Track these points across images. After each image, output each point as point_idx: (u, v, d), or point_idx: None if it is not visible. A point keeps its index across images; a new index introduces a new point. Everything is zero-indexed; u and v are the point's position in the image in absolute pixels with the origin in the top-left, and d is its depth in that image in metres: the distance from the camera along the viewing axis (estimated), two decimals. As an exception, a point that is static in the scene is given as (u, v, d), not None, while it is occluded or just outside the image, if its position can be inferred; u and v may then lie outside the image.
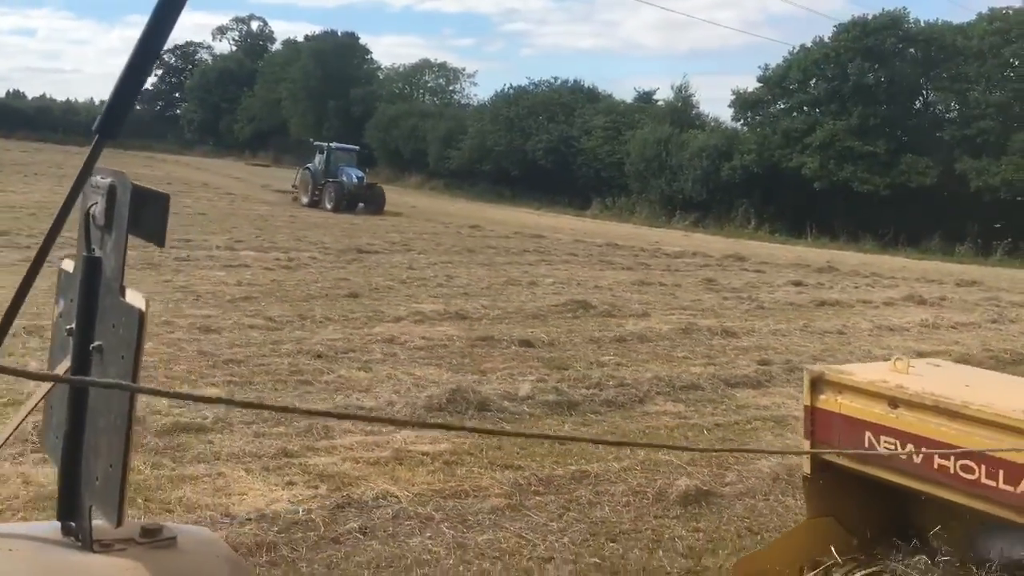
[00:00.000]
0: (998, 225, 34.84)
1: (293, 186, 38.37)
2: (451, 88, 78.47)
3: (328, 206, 34.57)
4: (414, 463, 6.62)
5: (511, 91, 58.81)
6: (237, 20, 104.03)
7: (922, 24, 40.02)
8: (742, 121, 45.06)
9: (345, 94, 74.41)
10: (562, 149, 51.42)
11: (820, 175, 38.84)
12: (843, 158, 38.35)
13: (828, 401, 3.97)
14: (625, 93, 69.36)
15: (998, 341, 14.28)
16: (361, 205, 35.08)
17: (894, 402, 3.73)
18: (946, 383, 3.79)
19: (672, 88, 51.85)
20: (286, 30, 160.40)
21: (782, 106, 43.53)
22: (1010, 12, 38.39)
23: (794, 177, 39.97)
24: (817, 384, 4.03)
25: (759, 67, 44.22)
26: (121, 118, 1.32)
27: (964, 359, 12.25)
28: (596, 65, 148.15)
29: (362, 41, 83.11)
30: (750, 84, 46.02)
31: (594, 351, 11.35)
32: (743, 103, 44.25)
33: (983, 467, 3.41)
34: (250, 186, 46.42)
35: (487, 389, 8.46)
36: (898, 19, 39.55)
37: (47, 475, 5.47)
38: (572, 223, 40.12)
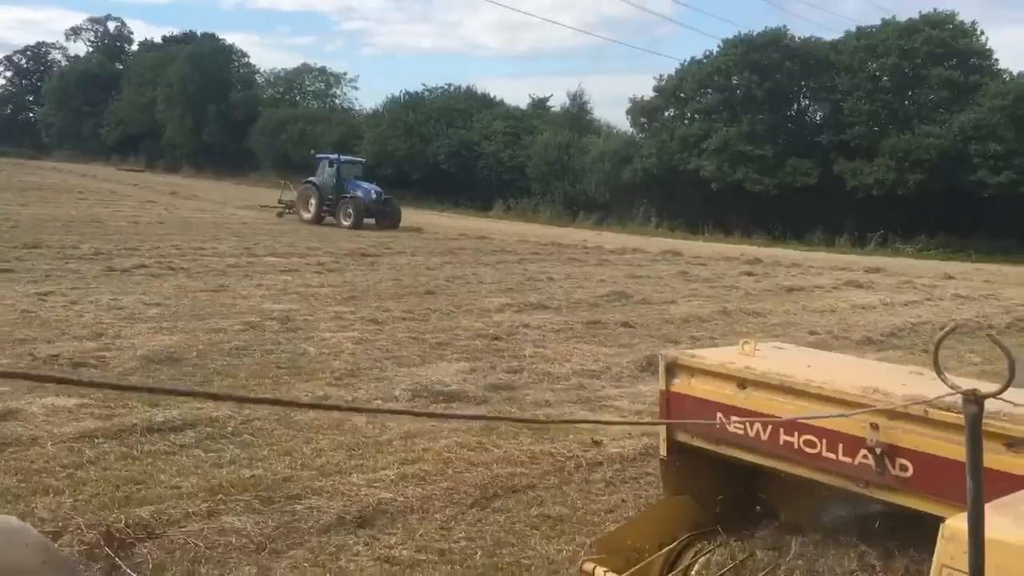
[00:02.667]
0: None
1: (280, 200, 37.03)
2: (331, 92, 79.70)
3: (345, 222, 33.55)
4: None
5: (405, 97, 61.06)
6: (92, 21, 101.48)
7: (798, 40, 44.84)
8: (639, 127, 48.90)
9: (224, 98, 74.56)
10: (463, 153, 54.04)
11: (717, 176, 43.02)
12: (736, 161, 42.61)
13: (682, 384, 4.06)
14: (518, 99, 73.05)
15: (947, 313, 17.98)
16: (372, 220, 34.23)
17: (743, 383, 3.85)
18: (790, 363, 3.92)
19: (568, 95, 55.62)
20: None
21: (674, 112, 47.66)
22: (873, 30, 43.59)
23: (692, 178, 44.04)
24: (671, 368, 4.11)
25: (654, 77, 48.27)
26: None
27: (951, 327, 15.78)
28: (439, 65, 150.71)
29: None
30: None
31: (676, 329, 14.21)
32: (640, 111, 48.11)
33: (824, 442, 3.56)
34: (155, 193, 46.86)
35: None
36: (779, 36, 44.20)
37: None
38: (486, 224, 42.65)
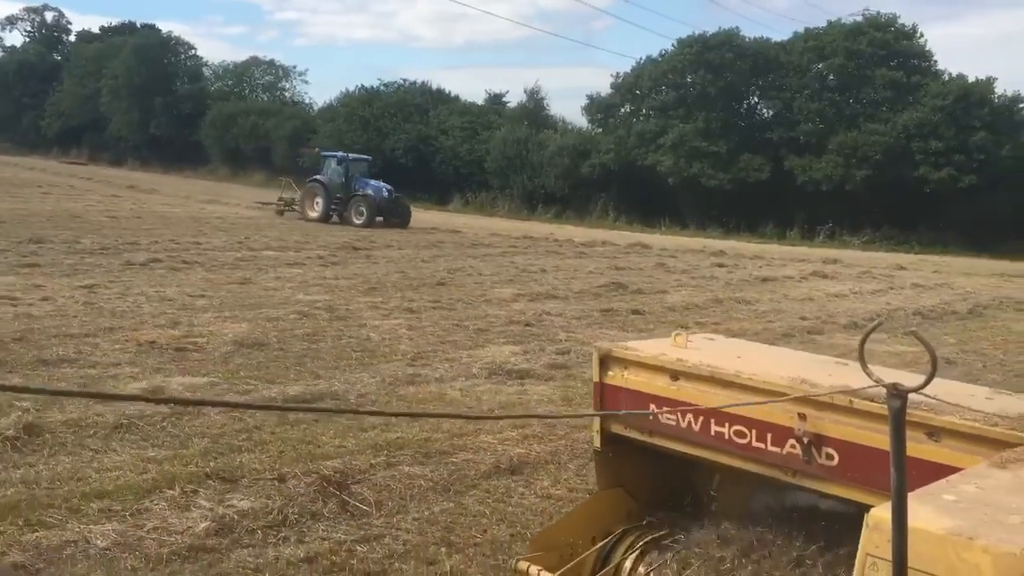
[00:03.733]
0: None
1: (280, 198, 36.20)
2: (281, 86, 79.86)
3: (357, 221, 33.02)
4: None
5: (361, 91, 61.79)
6: (29, 10, 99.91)
7: (749, 40, 46.80)
8: (596, 123, 50.45)
9: (171, 91, 74.37)
10: (421, 148, 55.01)
11: (673, 172, 44.78)
12: (692, 156, 44.45)
13: (615, 377, 4.08)
14: (460, 92, 73.95)
15: (913, 301, 19.59)
16: (380, 219, 33.43)
17: (675, 375, 3.88)
18: (720, 355, 3.97)
19: (524, 91, 57.05)
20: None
21: (630, 109, 49.31)
22: (820, 31, 45.70)
23: (649, 173, 45.71)
24: (605, 361, 4.13)
25: (611, 75, 49.89)
26: None
27: (925, 312, 17.35)
28: (374, 57, 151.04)
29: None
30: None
31: (681, 316, 15.49)
32: (596, 107, 49.67)
33: (754, 432, 3.59)
34: (114, 187, 46.89)
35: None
36: (731, 36, 46.10)
37: None
38: (450, 218, 43.59)
